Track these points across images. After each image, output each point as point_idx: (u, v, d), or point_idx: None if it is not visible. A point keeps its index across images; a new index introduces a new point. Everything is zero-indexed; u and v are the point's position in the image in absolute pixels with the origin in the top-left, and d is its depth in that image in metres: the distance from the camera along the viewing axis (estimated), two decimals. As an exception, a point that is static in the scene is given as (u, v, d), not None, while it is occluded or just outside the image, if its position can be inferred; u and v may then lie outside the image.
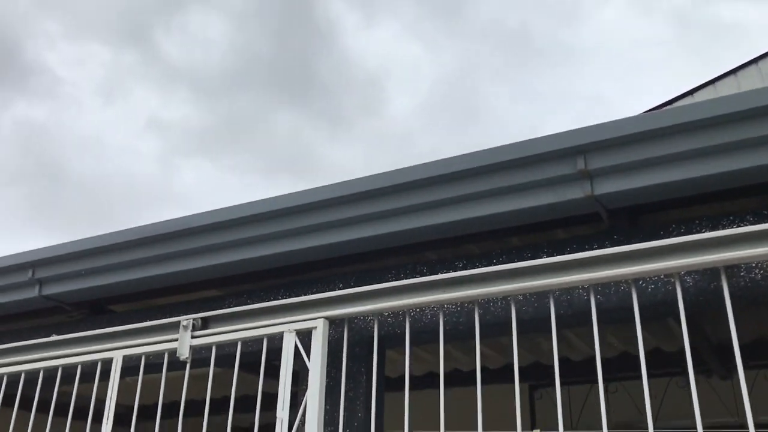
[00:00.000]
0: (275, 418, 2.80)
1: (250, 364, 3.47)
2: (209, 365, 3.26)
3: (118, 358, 3.30)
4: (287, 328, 2.91)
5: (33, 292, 3.77)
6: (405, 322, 2.83)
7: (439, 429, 2.53)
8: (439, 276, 2.66)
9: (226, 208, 3.44)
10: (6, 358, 3.73)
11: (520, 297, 2.71)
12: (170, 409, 3.49)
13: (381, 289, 2.80)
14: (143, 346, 3.27)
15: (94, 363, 3.42)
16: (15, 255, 3.77)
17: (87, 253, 3.68)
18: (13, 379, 3.66)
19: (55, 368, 3.51)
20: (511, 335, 2.56)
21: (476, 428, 2.46)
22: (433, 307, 2.86)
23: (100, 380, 3.50)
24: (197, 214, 3.50)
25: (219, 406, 3.58)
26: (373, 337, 3.04)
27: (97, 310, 3.98)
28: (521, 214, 2.77)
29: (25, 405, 3.69)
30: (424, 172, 2.83)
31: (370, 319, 3.08)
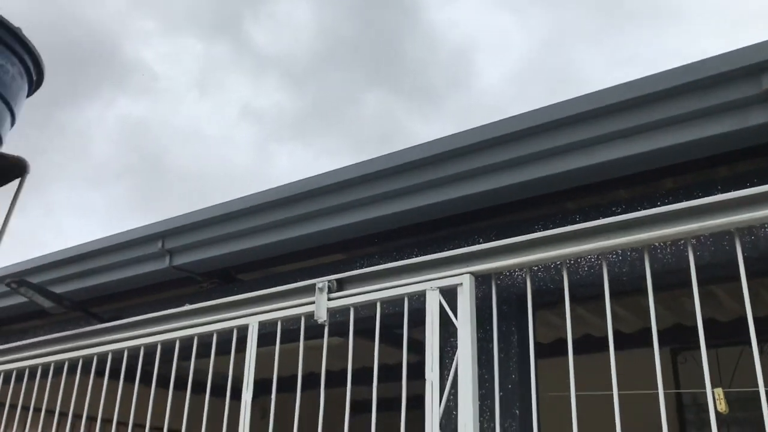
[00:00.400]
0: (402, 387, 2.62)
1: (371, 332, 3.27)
2: (334, 334, 3.12)
3: (253, 324, 3.21)
4: (430, 286, 2.70)
5: (164, 263, 3.75)
6: (562, 275, 2.57)
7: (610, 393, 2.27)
8: (604, 220, 2.37)
9: (353, 165, 3.27)
10: (141, 330, 3.73)
11: (693, 240, 2.39)
12: (289, 383, 3.34)
13: (534, 239, 2.55)
14: (279, 311, 3.16)
15: (229, 331, 3.35)
16: (144, 227, 3.76)
17: (215, 220, 3.61)
18: (149, 350, 3.66)
19: (189, 338, 3.47)
20: (690, 285, 2.25)
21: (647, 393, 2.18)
22: (594, 257, 2.58)
23: (221, 351, 3.44)
24: (323, 174, 3.35)
25: (337, 378, 3.40)
26: (518, 294, 2.80)
27: (226, 279, 3.92)
28: (692, 146, 2.43)
29: (150, 380, 3.68)
30: (582, 105, 2.53)
31: (517, 275, 2.83)
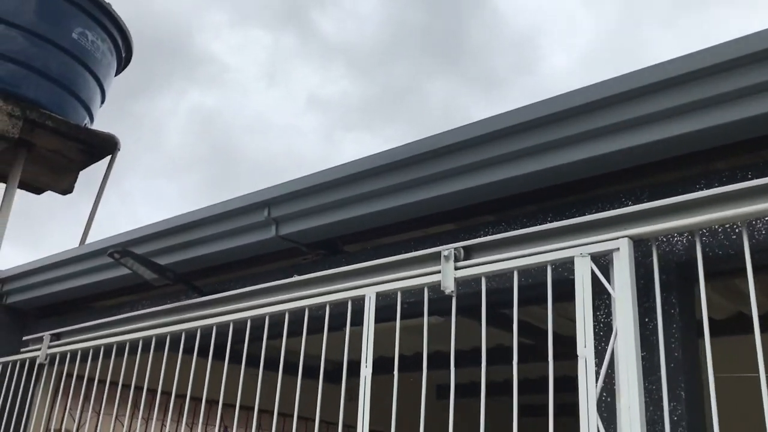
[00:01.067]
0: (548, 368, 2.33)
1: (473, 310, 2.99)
2: (442, 312, 2.86)
3: (371, 295, 2.98)
4: (579, 252, 2.40)
5: (270, 233, 3.57)
6: (727, 242, 2.23)
7: None
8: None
9: (478, 122, 2.98)
10: (247, 302, 3.57)
11: None
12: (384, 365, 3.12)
13: (703, 198, 2.22)
14: (399, 282, 2.93)
15: (342, 303, 3.14)
16: (250, 194, 3.57)
17: (324, 186, 3.39)
18: (256, 324, 3.49)
19: (300, 310, 3.28)
20: None
21: None
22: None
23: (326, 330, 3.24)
24: (444, 133, 3.08)
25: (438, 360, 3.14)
26: (677, 262, 2.47)
27: (332, 250, 3.71)
28: None
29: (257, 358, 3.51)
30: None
31: (677, 240, 2.50)
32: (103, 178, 6.82)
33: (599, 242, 2.37)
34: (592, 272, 2.35)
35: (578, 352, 2.28)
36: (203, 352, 3.68)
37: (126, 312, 4.70)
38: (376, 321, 3.26)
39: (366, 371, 2.84)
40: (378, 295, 2.97)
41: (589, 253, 2.38)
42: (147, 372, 3.91)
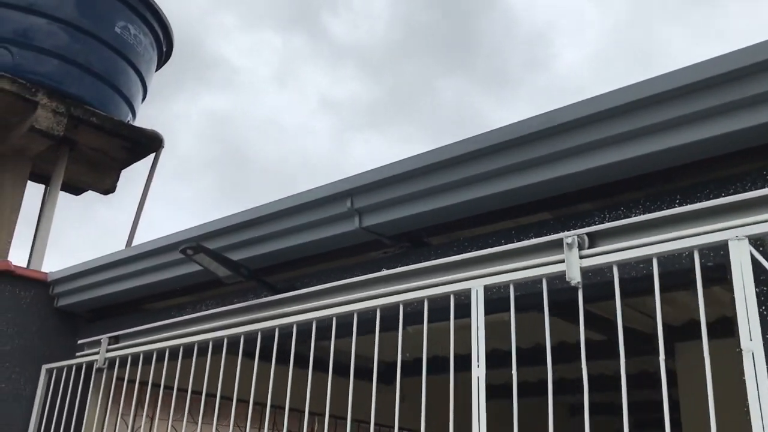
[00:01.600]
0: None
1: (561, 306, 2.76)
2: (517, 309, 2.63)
3: (478, 289, 2.75)
4: (735, 234, 2.16)
5: (352, 225, 3.34)
6: None
7: None
8: None
9: (589, 99, 2.74)
10: (333, 298, 3.35)
11: None
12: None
13: None
14: (511, 273, 2.69)
15: (444, 297, 2.91)
16: (331, 184, 3.35)
17: (410, 175, 3.16)
18: (342, 321, 3.27)
19: (394, 306, 3.06)
20: None
21: None
22: None
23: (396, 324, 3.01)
24: (544, 114, 2.84)
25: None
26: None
27: (416, 243, 3.48)
28: None
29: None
30: None
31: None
32: (148, 177, 6.64)
33: (760, 223, 2.12)
34: (752, 257, 2.11)
35: (743, 346, 2.03)
36: (276, 355, 3.47)
37: (185, 314, 4.51)
38: (457, 316, 3.04)
39: (479, 371, 2.61)
40: (486, 289, 2.73)
41: (746, 236, 2.13)
42: (219, 376, 3.70)
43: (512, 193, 3.06)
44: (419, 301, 3.03)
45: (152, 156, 6.83)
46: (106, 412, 5.01)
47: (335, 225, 3.40)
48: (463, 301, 2.99)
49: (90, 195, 7.10)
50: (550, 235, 2.84)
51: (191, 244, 3.37)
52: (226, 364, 3.69)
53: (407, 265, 3.34)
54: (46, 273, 5.21)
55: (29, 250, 6.71)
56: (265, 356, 3.59)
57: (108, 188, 6.88)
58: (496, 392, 3.49)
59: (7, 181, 6.17)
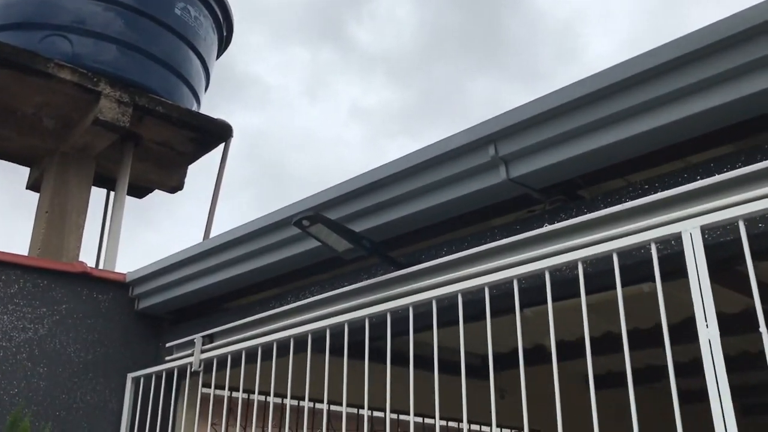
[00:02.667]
0: None
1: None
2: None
3: (691, 231, 2.17)
4: None
5: (498, 176, 2.80)
6: None
7: None
8: None
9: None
10: (480, 265, 2.81)
11: None
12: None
13: None
14: (738, 207, 2.11)
15: (637, 248, 2.35)
16: (467, 130, 2.82)
17: (570, 107, 2.61)
18: (497, 292, 2.72)
19: (569, 266, 2.50)
20: None
21: None
22: None
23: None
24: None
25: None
26: None
27: (571, 196, 2.92)
28: None
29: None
30: None
31: None
32: (219, 169, 6.20)
33: None
34: None
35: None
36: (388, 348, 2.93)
37: (270, 309, 4.02)
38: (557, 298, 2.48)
39: (710, 332, 2.03)
40: (703, 231, 2.16)
41: None
42: (325, 377, 3.19)
43: (695, 119, 2.47)
44: (599, 259, 2.47)
45: (219, 149, 6.41)
46: (197, 419, 4.56)
47: (475, 179, 2.85)
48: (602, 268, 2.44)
49: (165, 225, 6.69)
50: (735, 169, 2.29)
51: (308, 214, 2.86)
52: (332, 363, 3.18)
53: (560, 222, 2.79)
54: (124, 274, 4.78)
55: (95, 258, 6.32)
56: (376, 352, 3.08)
57: (175, 185, 6.45)
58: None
59: (72, 182, 5.78)
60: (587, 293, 2.48)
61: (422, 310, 3.05)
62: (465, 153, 2.82)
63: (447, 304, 2.94)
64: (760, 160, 2.24)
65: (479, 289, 2.79)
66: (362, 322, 3.15)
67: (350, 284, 3.48)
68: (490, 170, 2.81)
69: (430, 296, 2.88)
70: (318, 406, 4.55)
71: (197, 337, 4.06)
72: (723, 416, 1.95)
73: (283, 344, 3.57)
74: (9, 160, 6.38)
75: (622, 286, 2.38)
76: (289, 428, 3.64)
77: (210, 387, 4.65)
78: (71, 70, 5.22)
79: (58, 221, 5.64)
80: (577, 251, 2.48)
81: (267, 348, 3.64)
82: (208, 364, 4.00)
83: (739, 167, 2.33)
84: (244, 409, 3.75)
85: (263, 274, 4.01)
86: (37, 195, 6.51)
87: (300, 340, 3.53)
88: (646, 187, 2.63)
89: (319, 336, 3.40)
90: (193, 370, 4.00)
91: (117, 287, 4.74)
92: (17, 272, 4.35)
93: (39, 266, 4.46)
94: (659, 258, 2.30)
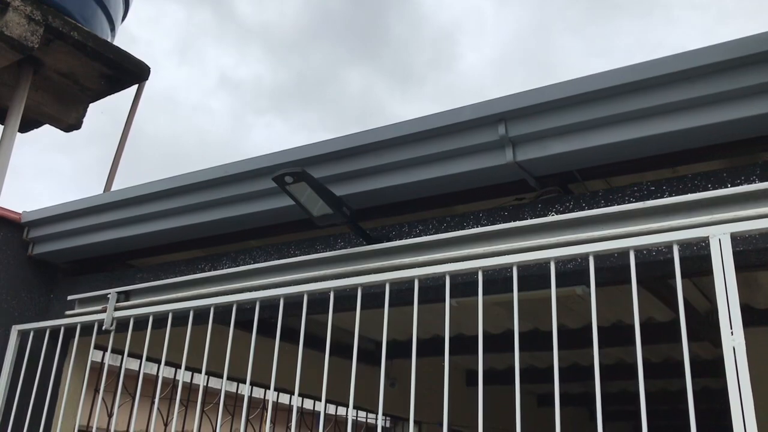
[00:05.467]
0: None
1: None
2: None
3: (721, 237, 2.14)
4: None
5: (503, 158, 2.66)
6: None
7: None
8: None
9: None
10: (472, 247, 2.66)
11: None
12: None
13: None
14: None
15: (664, 248, 2.30)
16: (477, 105, 2.65)
17: (594, 96, 2.52)
18: (495, 277, 2.58)
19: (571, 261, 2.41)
20: None
21: None
22: None
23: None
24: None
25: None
26: None
27: (565, 189, 2.84)
28: None
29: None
30: None
31: None
32: (130, 113, 5.63)
33: None
34: None
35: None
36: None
37: (197, 272, 3.67)
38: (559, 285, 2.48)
39: (735, 339, 2.00)
40: (734, 237, 2.13)
41: None
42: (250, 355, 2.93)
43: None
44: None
45: (124, 92, 5.81)
46: (85, 384, 4.09)
47: (477, 157, 2.70)
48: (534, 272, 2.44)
49: None
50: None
51: (293, 170, 2.58)
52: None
53: (551, 215, 2.71)
54: (20, 213, 4.19)
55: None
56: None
57: (73, 123, 5.76)
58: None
59: (-46, 102, 5.00)
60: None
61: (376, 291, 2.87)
62: (473, 128, 2.65)
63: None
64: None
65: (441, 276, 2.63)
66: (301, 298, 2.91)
67: (305, 253, 3.24)
68: (496, 150, 2.66)
69: (412, 275, 2.69)
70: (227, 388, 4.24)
71: (111, 292, 3.61)
72: (744, 425, 1.92)
73: (218, 311, 3.24)
74: None
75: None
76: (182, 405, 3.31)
77: (101, 350, 4.20)
78: (-24, -29, 4.49)
79: (-68, 143, 4.86)
80: (586, 245, 2.39)
81: (198, 313, 3.29)
82: (120, 324, 3.56)
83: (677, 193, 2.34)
84: (144, 380, 3.36)
85: (190, 233, 3.64)
86: None
87: (223, 311, 3.22)
88: (653, 188, 2.59)
89: (244, 308, 3.12)
90: (104, 328, 3.54)
91: (9, 226, 4.14)
92: None
93: None
94: (649, 263, 2.26)
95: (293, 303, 3.01)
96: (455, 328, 5.27)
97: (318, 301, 3.00)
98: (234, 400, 5.63)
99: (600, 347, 2.32)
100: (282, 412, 5.53)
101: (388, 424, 6.85)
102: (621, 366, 5.47)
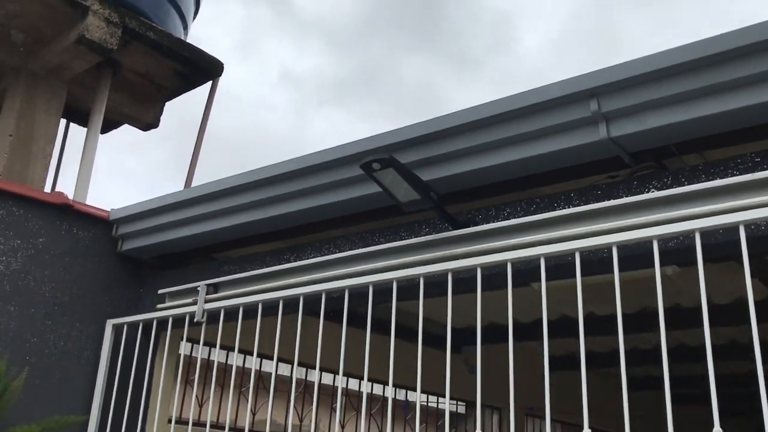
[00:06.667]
0: None
1: None
2: None
3: None
4: None
5: (596, 134, 2.57)
6: None
7: None
8: None
9: None
10: (575, 227, 2.59)
11: None
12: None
13: None
14: None
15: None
16: (569, 81, 2.57)
17: (680, 68, 2.40)
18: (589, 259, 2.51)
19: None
20: None
21: None
22: None
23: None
24: None
25: None
26: None
27: (660, 164, 2.73)
28: None
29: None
30: None
31: None
32: (205, 110, 5.73)
33: None
34: None
35: None
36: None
37: (285, 262, 3.69)
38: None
39: None
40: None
41: None
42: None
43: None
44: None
45: (200, 89, 5.92)
46: (179, 375, 4.19)
47: (569, 135, 2.61)
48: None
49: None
50: None
51: (381, 156, 2.55)
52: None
53: (642, 194, 2.61)
54: (108, 210, 4.32)
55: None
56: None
57: (150, 122, 5.92)
58: None
59: (41, 107, 5.19)
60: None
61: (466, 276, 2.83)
62: (562, 105, 2.57)
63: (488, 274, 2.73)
64: None
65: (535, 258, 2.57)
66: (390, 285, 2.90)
67: (389, 241, 3.22)
68: (588, 126, 2.57)
69: (505, 258, 2.64)
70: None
71: (201, 285, 3.68)
72: None
73: (307, 301, 3.26)
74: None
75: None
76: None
77: (193, 342, 4.30)
78: (56, -21, 4.64)
79: (22, 147, 5.07)
80: (691, 222, 2.29)
81: (288, 302, 3.32)
82: (210, 316, 3.63)
83: None
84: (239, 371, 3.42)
85: (273, 224, 3.67)
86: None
87: (312, 300, 3.24)
88: (757, 159, 2.46)
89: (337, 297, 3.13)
90: (195, 320, 3.62)
91: (99, 224, 4.27)
92: (-10, 196, 3.84)
93: (15, 192, 3.95)
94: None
95: (382, 290, 3.00)
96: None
97: (405, 288, 2.98)
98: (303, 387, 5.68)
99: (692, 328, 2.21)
100: (354, 398, 5.54)
101: (463, 410, 6.80)
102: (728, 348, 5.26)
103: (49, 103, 5.22)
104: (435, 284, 2.91)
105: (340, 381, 3.29)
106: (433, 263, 2.85)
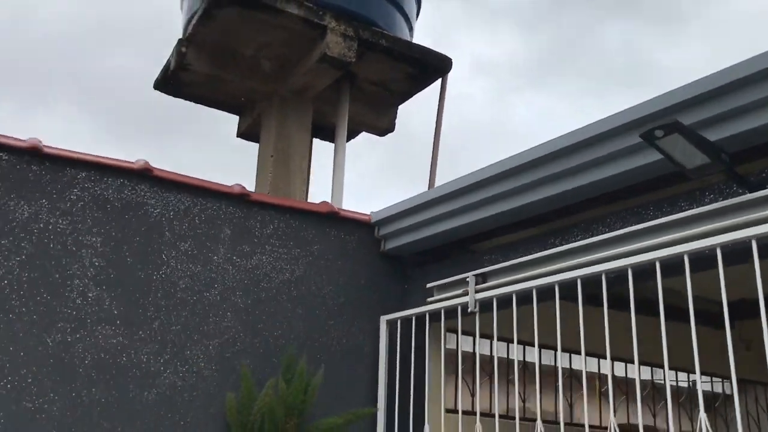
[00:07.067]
0: None
1: None
2: None
3: None
4: None
5: None
6: None
7: None
8: None
9: None
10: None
11: None
12: None
13: None
14: None
15: None
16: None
17: None
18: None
19: None
20: None
21: None
22: None
23: None
24: None
25: None
26: None
27: None
28: None
29: None
30: None
31: None
32: (439, 107, 5.86)
33: None
34: None
35: None
36: None
37: (550, 247, 3.62)
38: None
39: None
40: None
41: None
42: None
43: None
44: None
45: (428, 87, 6.06)
46: (442, 367, 4.29)
47: None
48: None
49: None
50: None
51: (665, 122, 2.40)
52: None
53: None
54: (369, 214, 4.57)
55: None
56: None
57: (386, 127, 6.19)
58: None
59: (292, 126, 5.64)
60: None
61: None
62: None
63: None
64: None
65: None
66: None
67: (666, 214, 3.04)
68: None
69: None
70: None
71: (470, 276, 3.76)
72: None
73: (585, 282, 3.19)
74: (220, 108, 6.37)
75: None
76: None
77: (453, 334, 4.41)
78: (297, 4, 5.00)
79: (282, 166, 5.53)
80: None
81: (564, 286, 3.27)
82: (483, 305, 3.69)
83: None
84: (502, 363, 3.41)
85: (534, 210, 3.63)
86: (244, 142, 6.50)
87: (589, 282, 3.14)
88: None
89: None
90: (469, 310, 3.70)
91: (362, 228, 4.53)
92: (271, 213, 4.22)
93: (289, 206, 4.32)
94: None
95: (674, 264, 2.83)
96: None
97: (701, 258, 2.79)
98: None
99: None
100: (621, 384, 5.31)
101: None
102: None
103: (300, 122, 5.64)
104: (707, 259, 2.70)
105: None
106: (736, 230, 2.62)
